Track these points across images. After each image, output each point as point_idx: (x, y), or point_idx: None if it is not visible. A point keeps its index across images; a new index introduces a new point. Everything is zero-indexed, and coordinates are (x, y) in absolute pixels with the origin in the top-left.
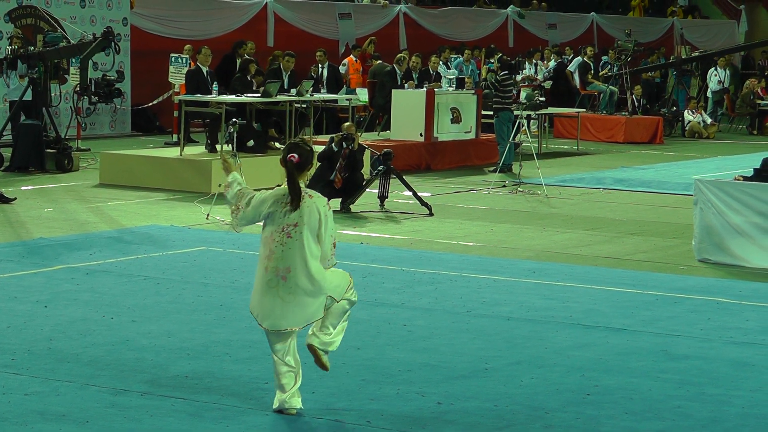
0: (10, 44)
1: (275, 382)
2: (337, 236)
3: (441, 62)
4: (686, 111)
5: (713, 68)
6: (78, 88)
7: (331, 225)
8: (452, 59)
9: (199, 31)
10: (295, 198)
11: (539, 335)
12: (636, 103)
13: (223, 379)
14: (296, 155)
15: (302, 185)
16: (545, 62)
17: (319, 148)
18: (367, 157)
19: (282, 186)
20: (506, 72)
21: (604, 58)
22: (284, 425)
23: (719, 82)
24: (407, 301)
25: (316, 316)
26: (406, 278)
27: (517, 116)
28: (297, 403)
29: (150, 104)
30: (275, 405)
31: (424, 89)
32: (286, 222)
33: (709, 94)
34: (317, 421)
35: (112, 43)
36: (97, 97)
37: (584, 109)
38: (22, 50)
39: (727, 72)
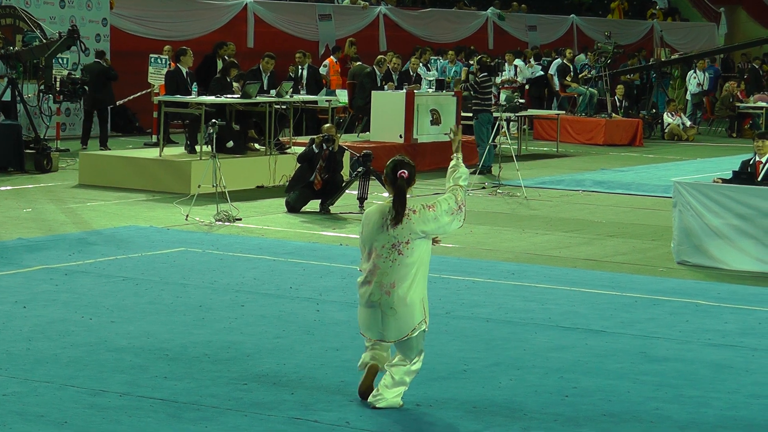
0: None
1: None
2: (454, 201)
3: (421, 64)
4: (665, 113)
5: (692, 71)
6: (42, 87)
7: (443, 207)
8: (432, 61)
9: (179, 32)
10: (402, 210)
11: (518, 337)
12: (618, 104)
13: (202, 380)
14: (406, 171)
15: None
16: (529, 62)
17: (298, 150)
18: (346, 159)
19: (385, 202)
20: (485, 74)
21: (584, 59)
22: (262, 426)
23: (698, 84)
24: None
25: (415, 323)
26: None
27: (496, 118)
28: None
29: (121, 102)
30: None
31: (404, 91)
32: (397, 239)
33: (688, 97)
34: (296, 422)
35: (78, 42)
36: (62, 96)
37: (564, 111)
38: (2, 50)
39: (707, 75)
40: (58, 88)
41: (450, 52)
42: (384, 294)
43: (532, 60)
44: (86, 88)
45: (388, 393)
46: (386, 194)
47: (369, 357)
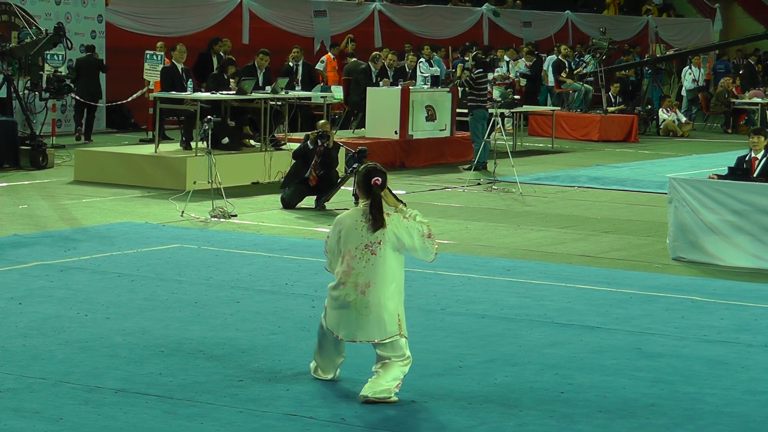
0: None
1: (321, 365)
2: (426, 228)
3: (423, 59)
4: (661, 109)
5: (688, 67)
6: (29, 84)
7: (416, 227)
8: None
9: (174, 29)
10: (379, 218)
11: (513, 333)
12: (612, 100)
13: (197, 376)
14: (380, 179)
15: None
16: (523, 57)
17: (293, 146)
18: (341, 155)
19: (359, 207)
20: (481, 70)
21: (586, 56)
22: (257, 422)
23: (694, 80)
24: None
25: (392, 332)
26: None
27: (491, 114)
28: (330, 373)
29: (124, 101)
30: (313, 374)
31: (399, 87)
32: (369, 240)
33: (683, 93)
34: (291, 419)
35: (64, 39)
36: (48, 93)
37: (559, 107)
38: (0, 48)
39: (702, 71)
40: (44, 86)
41: (441, 49)
42: (359, 293)
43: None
44: (72, 85)
45: (383, 379)
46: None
47: (324, 373)
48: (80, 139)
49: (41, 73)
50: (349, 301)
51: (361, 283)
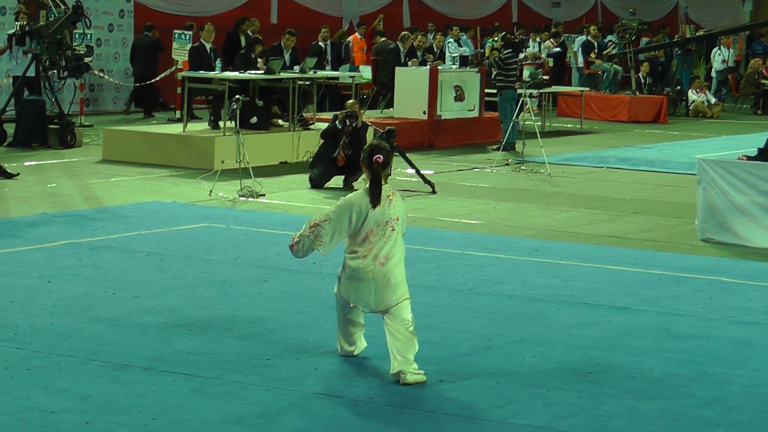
0: (16, 19)
1: (344, 339)
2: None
3: (452, 40)
4: (690, 90)
5: (717, 47)
6: (47, 63)
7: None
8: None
9: (203, 8)
10: (377, 194)
11: (541, 314)
12: (642, 82)
13: (225, 355)
14: (381, 156)
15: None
16: (552, 40)
17: (322, 126)
18: (370, 135)
19: (363, 189)
20: (509, 50)
21: (609, 36)
22: (285, 400)
23: (723, 61)
24: (409, 278)
25: (402, 296)
26: (409, 255)
27: (520, 94)
28: (357, 349)
29: (153, 81)
30: (339, 351)
31: (428, 67)
32: (390, 216)
33: (713, 74)
34: (319, 397)
35: (83, 17)
36: (66, 72)
37: (588, 88)
38: (28, 26)
39: (732, 51)
40: (63, 64)
41: (471, 29)
42: (378, 265)
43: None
44: (89, 64)
45: (410, 367)
46: (409, 170)
47: (349, 345)
48: (128, 114)
49: (60, 51)
50: (368, 271)
51: (380, 256)
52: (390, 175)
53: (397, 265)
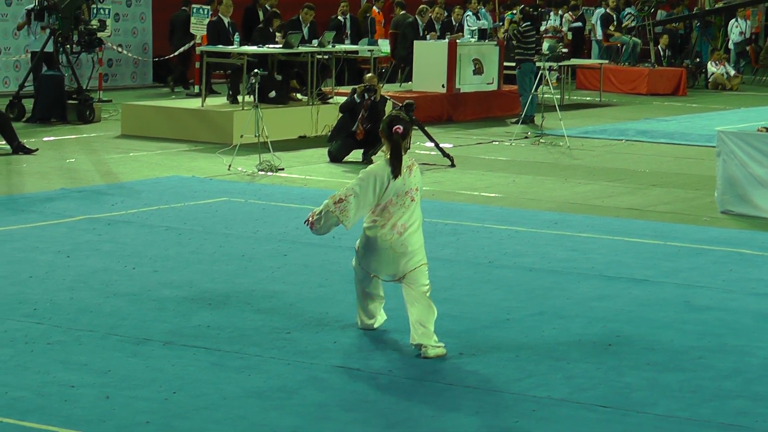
0: None
1: (363, 311)
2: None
3: (471, 13)
4: (710, 62)
5: (734, 19)
6: (60, 38)
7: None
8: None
9: None
10: (398, 165)
11: (561, 286)
12: (661, 54)
13: (244, 329)
14: (401, 127)
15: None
16: (571, 13)
17: (340, 100)
18: (388, 109)
19: (384, 159)
20: (528, 23)
21: (628, 9)
22: (305, 374)
23: (741, 33)
24: (429, 251)
25: (419, 261)
26: (428, 229)
27: (539, 67)
28: (376, 322)
29: (171, 56)
30: (359, 325)
31: (446, 40)
32: (409, 186)
33: (731, 46)
34: (339, 371)
35: None
36: (79, 47)
37: (607, 61)
38: (46, 1)
39: (749, 23)
40: (76, 39)
41: (490, 2)
42: (396, 234)
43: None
44: (102, 39)
45: (430, 341)
46: (428, 143)
47: (369, 318)
48: (172, 90)
49: (72, 26)
50: (386, 240)
51: (398, 225)
52: (409, 148)
53: (415, 233)
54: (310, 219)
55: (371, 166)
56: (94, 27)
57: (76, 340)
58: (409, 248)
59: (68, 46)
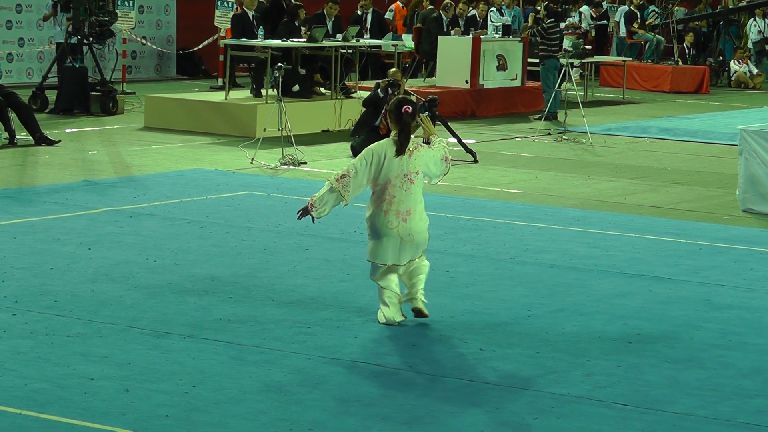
0: None
1: (385, 307)
2: (445, 151)
3: (494, 9)
4: (732, 61)
5: (753, 19)
6: (70, 29)
7: (439, 153)
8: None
9: None
10: (405, 144)
11: (582, 283)
12: (686, 51)
13: (265, 323)
14: (410, 107)
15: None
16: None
17: (364, 94)
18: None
19: (389, 138)
20: (552, 20)
21: (651, 6)
22: (325, 369)
23: (759, 32)
24: (450, 247)
25: (425, 247)
26: (450, 225)
27: (563, 64)
28: (399, 316)
29: (195, 49)
30: (381, 320)
31: (471, 36)
32: (408, 169)
33: (750, 45)
34: (359, 365)
35: None
36: (91, 38)
37: (630, 58)
38: None
39: (767, 21)
40: (86, 31)
41: None
42: (401, 221)
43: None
44: (112, 30)
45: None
46: (451, 139)
47: (394, 311)
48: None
49: (83, 18)
50: (391, 228)
51: (402, 211)
52: (428, 139)
53: (420, 220)
54: (308, 203)
55: (374, 143)
56: (105, 19)
57: (97, 332)
58: (416, 238)
59: (79, 37)
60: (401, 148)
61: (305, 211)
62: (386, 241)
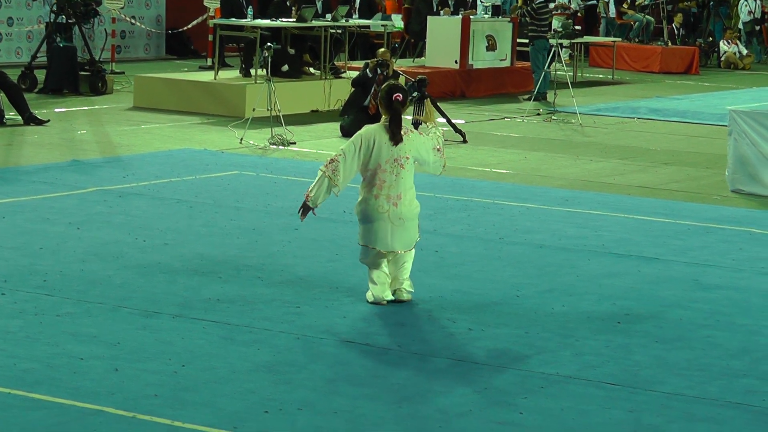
0: None
1: (374, 287)
2: (438, 141)
3: None
4: (722, 41)
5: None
6: (54, 8)
7: (430, 142)
8: None
9: None
10: (398, 132)
11: (571, 263)
12: (676, 32)
13: (255, 303)
14: (401, 95)
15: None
16: None
17: (353, 74)
18: (401, 84)
19: (379, 123)
20: (542, 0)
21: None
22: (314, 348)
23: (750, 12)
24: (439, 227)
25: (416, 237)
26: (439, 205)
27: (552, 45)
28: (388, 294)
29: (184, 28)
30: (370, 299)
31: (460, 16)
32: (398, 154)
33: (740, 25)
34: (348, 345)
35: None
36: (75, 18)
37: (620, 39)
38: None
39: (758, 2)
40: (71, 11)
41: None
42: (392, 206)
43: None
44: (97, 9)
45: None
46: (440, 119)
47: (383, 289)
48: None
49: None
50: (381, 212)
51: (392, 196)
52: (422, 122)
53: (410, 205)
54: (305, 197)
55: (364, 128)
56: None
57: (86, 312)
58: (406, 223)
59: (63, 16)
60: (395, 136)
61: (305, 208)
62: (377, 225)
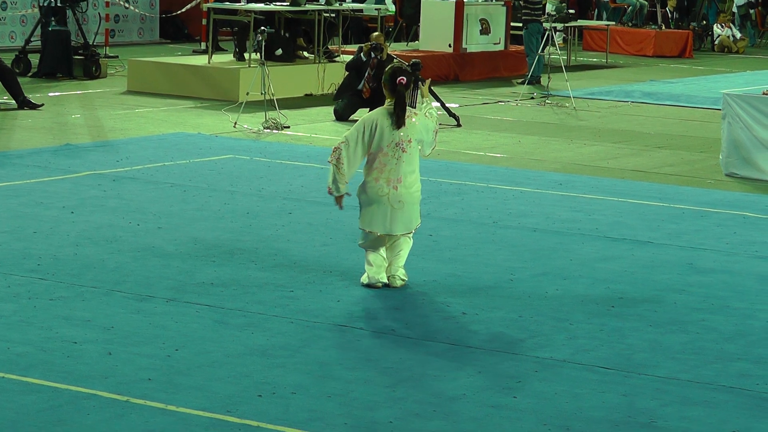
0: None
1: (369, 271)
2: (437, 124)
3: None
4: (716, 25)
5: None
6: None
7: (432, 126)
8: None
9: None
10: (402, 116)
11: (565, 247)
12: (669, 15)
13: (248, 287)
14: (404, 78)
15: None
16: None
17: (347, 58)
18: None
19: (383, 107)
20: None
21: None
22: (308, 332)
23: None
24: (433, 211)
25: (416, 222)
26: (433, 188)
27: (546, 28)
28: (384, 277)
29: (178, 12)
30: (364, 281)
31: (454, 0)
32: (400, 138)
33: (734, 9)
34: (342, 329)
35: None
36: (67, 2)
37: (614, 22)
38: None
39: None
40: None
41: None
42: (392, 189)
43: None
44: None
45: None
46: (434, 103)
47: (378, 271)
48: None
49: None
50: (381, 195)
51: (393, 179)
52: (414, 106)
53: (411, 187)
54: (327, 191)
55: (367, 114)
56: None
57: (80, 296)
58: (405, 206)
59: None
60: (399, 121)
61: (335, 199)
62: (377, 207)
